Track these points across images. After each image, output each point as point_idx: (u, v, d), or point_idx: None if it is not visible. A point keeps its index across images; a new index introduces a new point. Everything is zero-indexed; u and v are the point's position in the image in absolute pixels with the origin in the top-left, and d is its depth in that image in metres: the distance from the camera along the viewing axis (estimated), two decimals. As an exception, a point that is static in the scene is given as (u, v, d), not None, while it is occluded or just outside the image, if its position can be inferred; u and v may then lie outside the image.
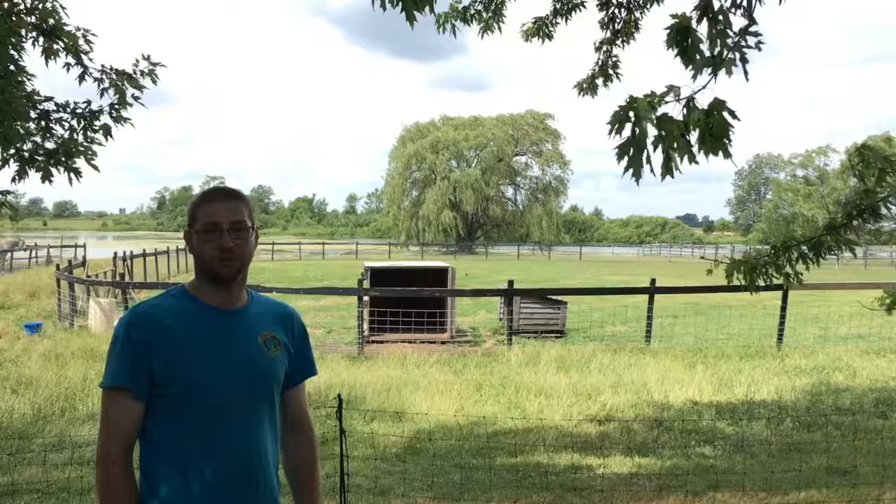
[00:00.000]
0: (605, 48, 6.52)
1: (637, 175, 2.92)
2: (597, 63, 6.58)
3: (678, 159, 2.93)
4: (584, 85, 6.67)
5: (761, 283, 4.85)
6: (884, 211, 4.57)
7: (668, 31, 3.35)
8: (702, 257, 6.38)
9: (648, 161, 2.91)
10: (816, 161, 77.35)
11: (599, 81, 6.62)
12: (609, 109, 2.99)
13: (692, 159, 2.98)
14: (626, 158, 2.93)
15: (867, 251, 50.04)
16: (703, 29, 3.34)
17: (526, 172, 78.09)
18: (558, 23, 6.72)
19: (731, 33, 3.26)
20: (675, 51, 3.36)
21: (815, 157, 77.52)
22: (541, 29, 6.68)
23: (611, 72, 6.58)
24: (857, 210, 4.56)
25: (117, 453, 1.97)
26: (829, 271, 38.72)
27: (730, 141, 2.99)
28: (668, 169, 2.95)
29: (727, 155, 3.01)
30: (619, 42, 6.47)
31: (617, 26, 6.40)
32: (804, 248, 4.72)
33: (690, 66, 3.25)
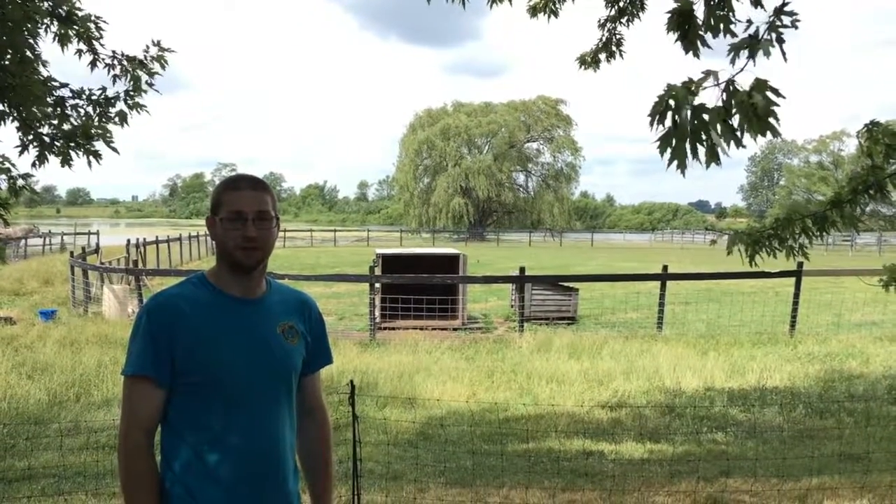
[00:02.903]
0: (609, 26, 6.48)
1: (682, 166, 2.83)
2: (600, 39, 6.55)
3: (724, 145, 2.87)
4: (588, 59, 6.64)
5: (763, 256, 4.79)
6: (890, 188, 4.51)
7: (669, 14, 3.30)
8: (712, 241, 6.35)
9: (694, 151, 2.85)
10: (831, 146, 76.80)
11: (602, 57, 6.59)
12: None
13: (738, 143, 2.90)
14: (668, 150, 2.85)
15: (882, 237, 49.67)
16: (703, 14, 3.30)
17: (537, 159, 77.84)
18: (565, 0, 6.67)
19: (733, 19, 3.21)
20: (676, 35, 3.32)
21: (830, 142, 76.97)
22: (547, 5, 6.63)
23: (614, 49, 6.55)
24: (864, 186, 4.51)
25: (139, 440, 1.99)
26: (842, 257, 38.53)
27: (777, 119, 2.91)
28: (712, 156, 2.86)
29: (775, 134, 2.92)
30: (623, 20, 6.42)
31: (622, 4, 6.36)
32: (808, 221, 4.66)
33: (690, 52, 3.21)
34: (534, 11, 6.70)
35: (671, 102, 2.80)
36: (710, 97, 2.88)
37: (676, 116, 2.80)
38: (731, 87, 2.85)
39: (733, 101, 2.84)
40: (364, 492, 4.96)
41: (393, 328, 13.78)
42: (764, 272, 12.40)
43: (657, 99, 2.84)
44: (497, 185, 73.09)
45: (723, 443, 6.78)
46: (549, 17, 6.68)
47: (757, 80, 2.85)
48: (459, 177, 71.40)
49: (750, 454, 6.24)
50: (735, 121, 2.88)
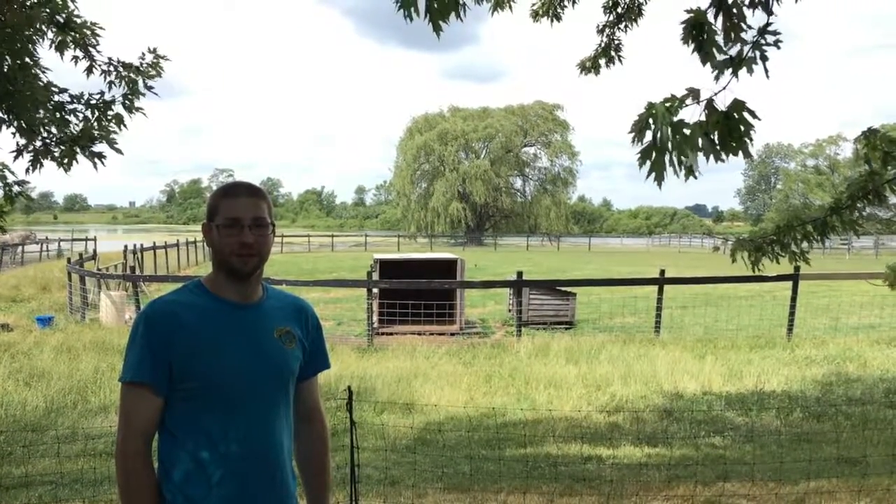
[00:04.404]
0: (607, 31, 6.51)
1: (660, 179, 2.93)
2: (599, 45, 6.58)
3: (698, 161, 2.94)
4: (587, 64, 6.67)
5: (766, 262, 4.84)
6: (888, 194, 4.55)
7: (684, 25, 3.34)
8: (715, 248, 6.37)
9: (672, 164, 2.92)
10: (827, 150, 77.00)
11: (602, 62, 6.63)
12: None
13: (717, 158, 2.98)
14: (647, 163, 2.94)
15: (878, 241, 49.79)
16: (717, 23, 3.34)
17: (534, 163, 77.93)
18: (566, 6, 6.70)
19: (744, 27, 3.25)
20: (692, 46, 3.35)
21: (826, 146, 77.17)
22: (549, 9, 6.67)
23: (613, 53, 6.58)
24: (862, 192, 4.55)
25: (137, 447, 1.99)
26: (840, 261, 38.58)
27: (751, 140, 2.99)
28: (689, 171, 2.97)
29: (747, 155, 3.02)
30: (621, 26, 6.46)
31: (620, 10, 6.39)
32: (809, 227, 4.72)
33: (708, 63, 3.24)
34: (536, 15, 6.74)
35: (650, 121, 2.87)
36: (693, 112, 2.96)
37: (658, 133, 2.87)
38: (711, 105, 2.92)
39: (711, 120, 2.92)
40: (362, 497, 4.96)
41: (391, 333, 13.78)
42: (761, 276, 12.36)
43: (637, 117, 2.92)
44: (494, 189, 73.16)
45: (720, 447, 6.79)
46: (551, 21, 6.72)
47: (735, 100, 2.94)
48: (457, 181, 71.48)
49: (747, 458, 6.24)
50: (715, 136, 2.95)
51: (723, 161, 3.02)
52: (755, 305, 16.32)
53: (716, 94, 2.99)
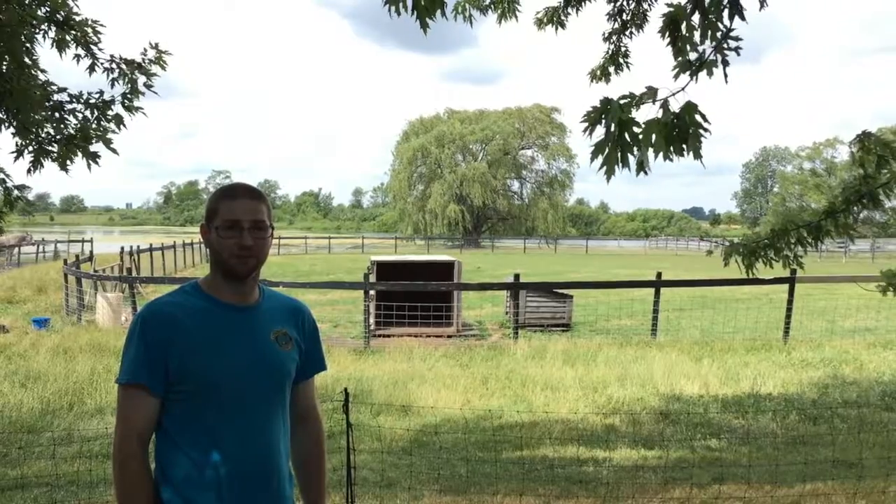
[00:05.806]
0: (613, 38, 6.54)
1: (610, 173, 3.07)
2: (607, 52, 6.62)
3: (651, 158, 3.03)
4: (598, 73, 6.71)
5: (760, 266, 4.85)
6: (882, 198, 4.56)
7: (663, 19, 3.41)
8: (708, 252, 6.37)
9: (625, 160, 3.00)
10: (824, 153, 77.12)
11: (611, 69, 6.67)
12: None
13: (666, 156, 3.05)
14: (599, 157, 3.05)
15: (875, 244, 49.88)
16: (695, 20, 3.42)
17: (532, 166, 78.03)
18: (570, 13, 6.74)
19: (721, 26, 3.31)
20: (667, 40, 3.42)
21: (823, 149, 77.29)
22: (553, 17, 6.72)
23: (621, 60, 6.61)
24: (856, 196, 4.57)
25: (134, 449, 1.99)
26: (836, 264, 38.65)
27: (699, 142, 3.07)
28: (640, 166, 3.07)
29: (697, 156, 3.07)
30: (627, 33, 6.49)
31: (625, 17, 6.42)
32: (803, 231, 4.73)
33: (679, 58, 3.31)
34: (540, 24, 6.79)
35: (603, 116, 2.96)
36: (650, 111, 3.04)
37: (612, 126, 2.99)
38: (665, 106, 2.99)
39: (663, 120, 2.99)
40: (358, 499, 4.95)
41: (387, 335, 13.77)
42: (757, 279, 12.40)
43: (591, 108, 3.00)
44: (492, 192, 73.19)
45: (717, 449, 6.79)
46: (556, 28, 6.77)
47: (687, 103, 3.02)
48: (454, 184, 71.49)
49: (744, 461, 6.25)
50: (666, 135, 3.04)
51: (671, 160, 3.10)
52: (752, 308, 16.33)
53: (673, 94, 3.06)
